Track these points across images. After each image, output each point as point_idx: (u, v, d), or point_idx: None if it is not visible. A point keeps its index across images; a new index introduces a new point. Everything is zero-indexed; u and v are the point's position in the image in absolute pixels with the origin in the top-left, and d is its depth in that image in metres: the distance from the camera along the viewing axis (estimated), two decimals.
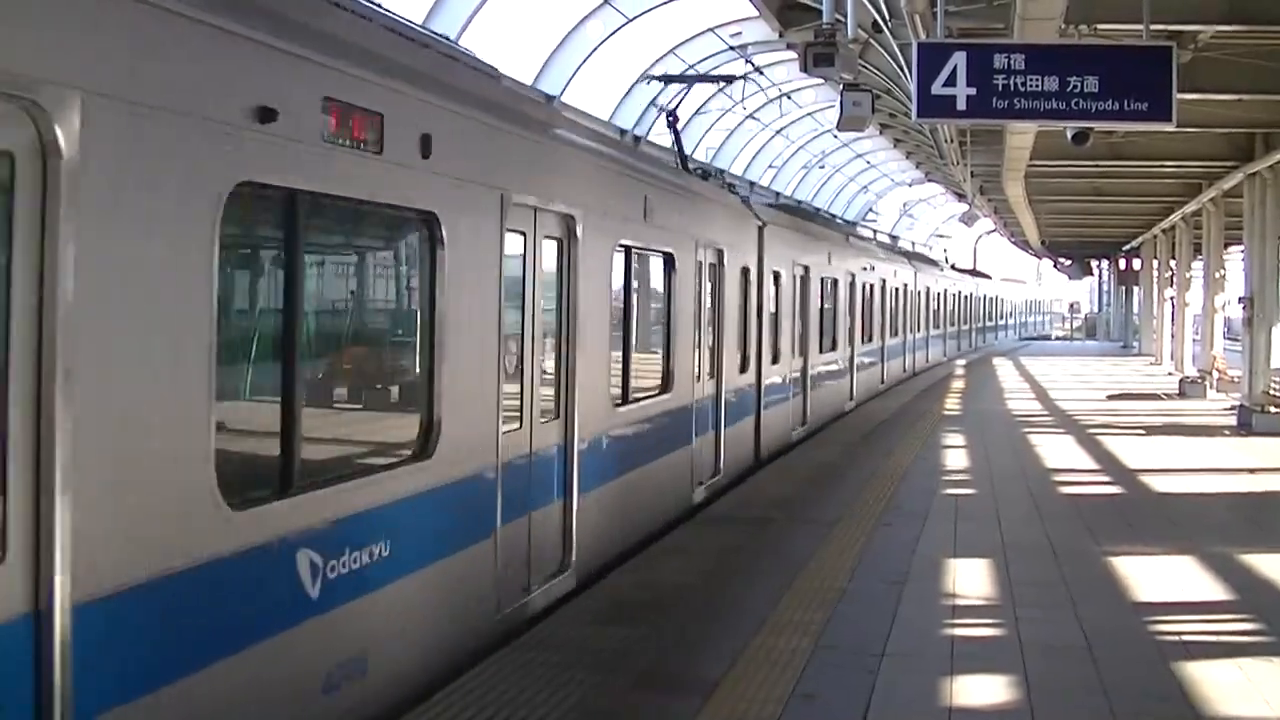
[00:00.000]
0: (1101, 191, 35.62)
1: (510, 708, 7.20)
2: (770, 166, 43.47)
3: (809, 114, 39.72)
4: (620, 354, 11.89)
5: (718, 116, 35.65)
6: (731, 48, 30.38)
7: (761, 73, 32.80)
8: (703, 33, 29.57)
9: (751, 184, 40.07)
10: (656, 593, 10.00)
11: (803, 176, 48.10)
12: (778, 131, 40.70)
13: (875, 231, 54.98)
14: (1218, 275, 34.40)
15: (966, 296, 57.13)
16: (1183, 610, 9.93)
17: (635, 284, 12.42)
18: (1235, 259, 42.28)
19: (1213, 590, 10.67)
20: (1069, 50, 14.87)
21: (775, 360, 19.13)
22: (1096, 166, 28.37)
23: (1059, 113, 14.57)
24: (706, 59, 30.82)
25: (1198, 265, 39.52)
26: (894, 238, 53.58)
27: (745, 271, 17.13)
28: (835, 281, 24.55)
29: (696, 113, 34.02)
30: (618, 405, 11.66)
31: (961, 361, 47.80)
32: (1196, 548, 12.11)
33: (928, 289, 42.44)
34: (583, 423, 10.30)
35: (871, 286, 29.53)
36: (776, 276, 19.01)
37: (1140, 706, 7.57)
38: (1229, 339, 41.95)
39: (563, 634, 8.81)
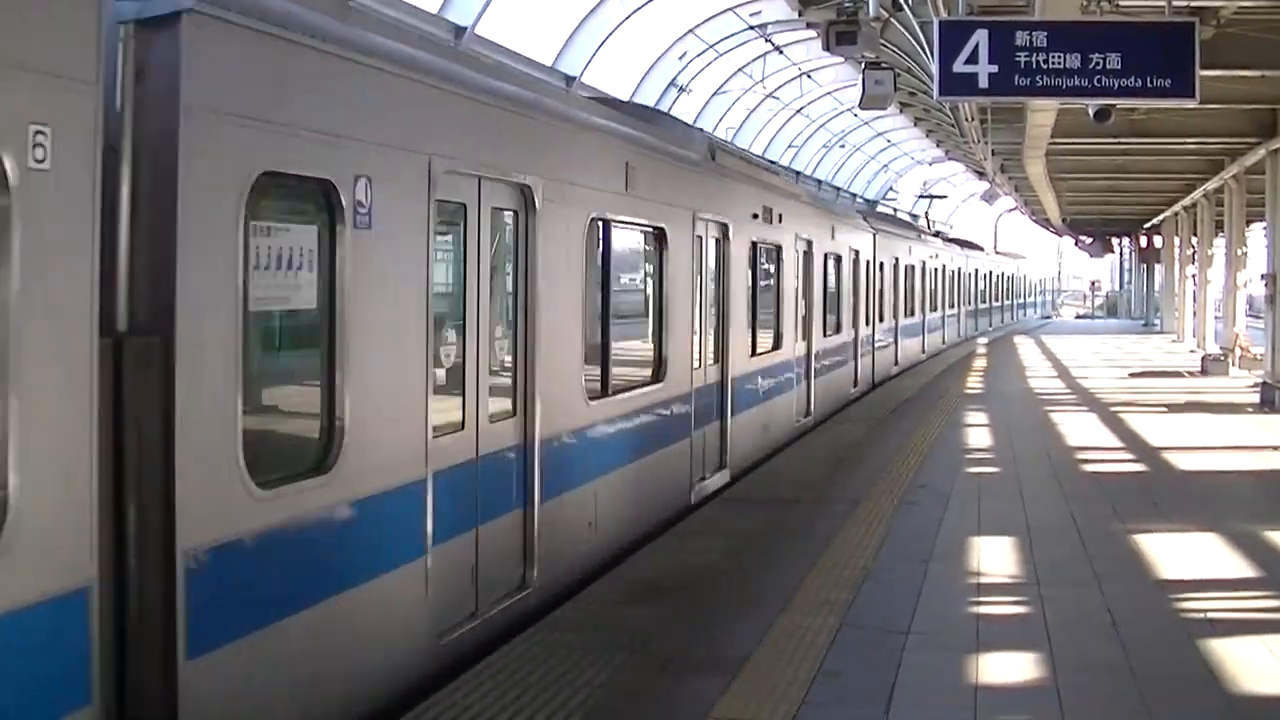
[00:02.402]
0: (1123, 169, 35.44)
1: (538, 687, 7.25)
2: (790, 146, 43.34)
3: (829, 93, 39.56)
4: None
5: (738, 96, 35.55)
6: (751, 27, 30.28)
7: (781, 52, 32.71)
8: (722, 12, 29.46)
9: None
10: (683, 573, 10.04)
11: (823, 155, 47.94)
12: (798, 111, 40.55)
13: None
14: (1240, 252, 34.24)
15: (954, 273, 44.83)
16: (1208, 588, 9.92)
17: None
18: (1257, 236, 42.10)
19: (1238, 568, 10.66)
20: (1091, 27, 14.83)
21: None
22: (1118, 144, 28.20)
23: (1081, 90, 14.52)
24: (726, 38, 30.74)
25: (1220, 242, 39.37)
26: (914, 216, 53.04)
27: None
28: (699, 241, 13.82)
29: (716, 93, 33.95)
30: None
31: (947, 359, 36.66)
32: (1221, 525, 12.09)
33: (896, 261, 31.07)
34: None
35: (777, 253, 17.96)
36: (457, 214, 8.46)
37: (1166, 685, 7.58)
38: (1251, 316, 41.76)
39: (590, 614, 8.86)
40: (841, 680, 7.54)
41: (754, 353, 16.42)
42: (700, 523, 12.23)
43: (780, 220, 17.75)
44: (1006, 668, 7.88)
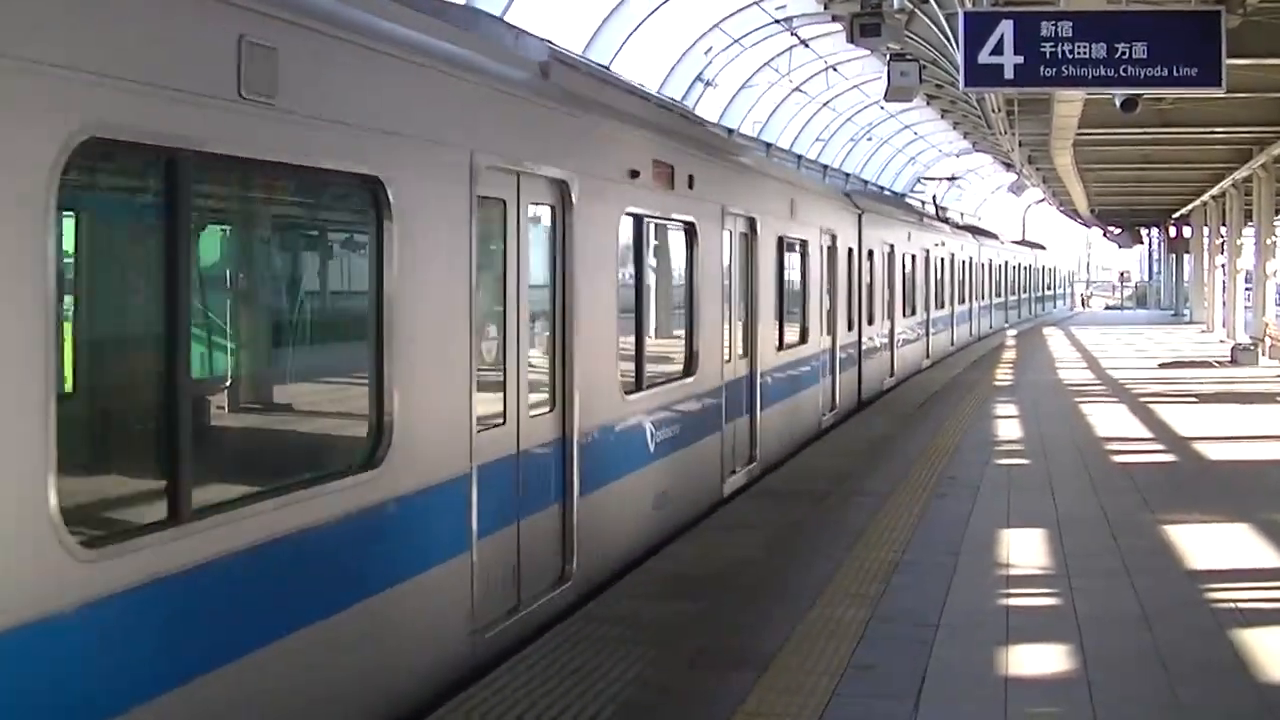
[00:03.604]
0: (1151, 159, 35.35)
1: (570, 680, 7.29)
2: (818, 139, 43.34)
3: (855, 86, 39.53)
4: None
5: (764, 90, 35.56)
6: (776, 20, 30.30)
7: (807, 45, 32.68)
8: (747, 6, 29.48)
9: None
10: (714, 567, 10.07)
11: (850, 148, 47.91)
12: (824, 104, 40.55)
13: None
14: (1269, 241, 34.10)
15: (964, 263, 38.70)
16: (1239, 579, 9.89)
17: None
18: None
19: (1269, 558, 10.63)
20: (1117, 16, 14.81)
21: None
22: (1145, 134, 28.14)
23: (1108, 80, 14.52)
24: (751, 32, 30.75)
25: (1249, 232, 39.20)
26: (941, 208, 52.68)
27: None
28: (497, 208, 8.36)
29: (742, 87, 33.95)
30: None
31: (956, 363, 31.70)
32: (1252, 516, 12.05)
33: (890, 249, 25.50)
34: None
35: (688, 234, 12.53)
36: None
37: (1197, 675, 7.57)
38: None
39: (622, 608, 8.89)
40: (872, 673, 7.56)
41: (640, 386, 11.13)
42: (729, 517, 12.24)
43: (691, 185, 12.21)
44: (1037, 659, 7.88)
